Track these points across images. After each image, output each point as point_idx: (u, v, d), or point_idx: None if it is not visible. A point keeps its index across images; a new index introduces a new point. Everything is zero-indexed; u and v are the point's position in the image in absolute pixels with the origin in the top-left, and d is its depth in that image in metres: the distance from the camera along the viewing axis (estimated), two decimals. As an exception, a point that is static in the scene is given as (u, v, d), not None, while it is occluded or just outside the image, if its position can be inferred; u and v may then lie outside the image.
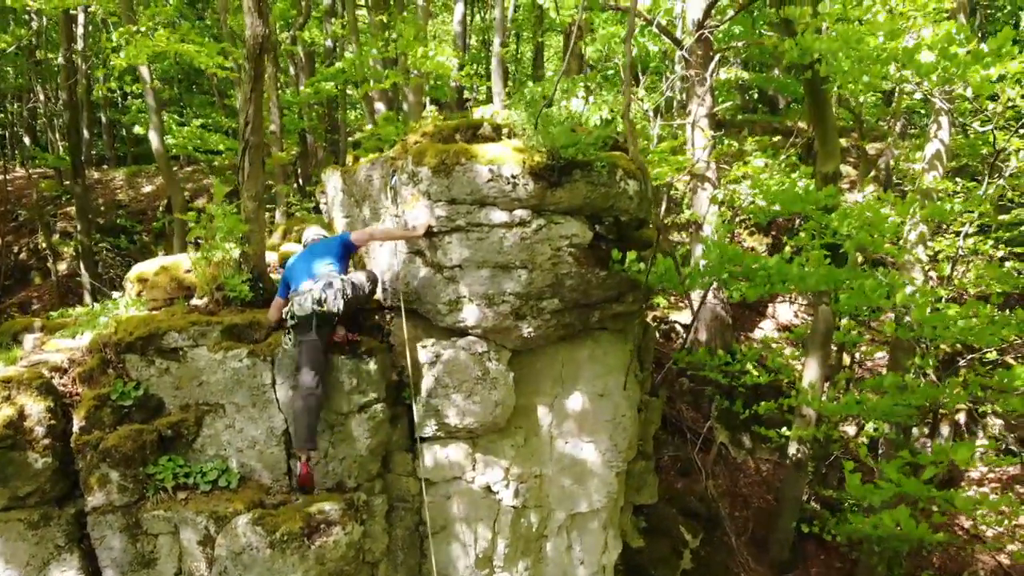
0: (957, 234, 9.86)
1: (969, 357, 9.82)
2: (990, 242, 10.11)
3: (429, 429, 5.86)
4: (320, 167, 11.36)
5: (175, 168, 14.64)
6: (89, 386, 5.20)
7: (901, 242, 8.48)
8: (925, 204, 8.01)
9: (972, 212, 9.11)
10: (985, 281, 9.51)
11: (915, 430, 9.64)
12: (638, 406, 6.73)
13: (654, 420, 7.64)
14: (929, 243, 9.46)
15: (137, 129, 12.69)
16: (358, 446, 5.39)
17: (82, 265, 12.96)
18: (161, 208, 14.86)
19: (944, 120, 9.00)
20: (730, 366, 8.66)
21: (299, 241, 6.43)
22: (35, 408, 4.79)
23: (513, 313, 5.59)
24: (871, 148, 14.31)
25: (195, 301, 5.88)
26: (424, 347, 5.82)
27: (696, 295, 10.43)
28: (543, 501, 6.26)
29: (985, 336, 5.39)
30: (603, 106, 6.28)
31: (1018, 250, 10.01)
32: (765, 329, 12.57)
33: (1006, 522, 8.14)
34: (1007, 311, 5.72)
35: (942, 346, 9.20)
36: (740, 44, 12.88)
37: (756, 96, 19.70)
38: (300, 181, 14.52)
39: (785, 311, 12.86)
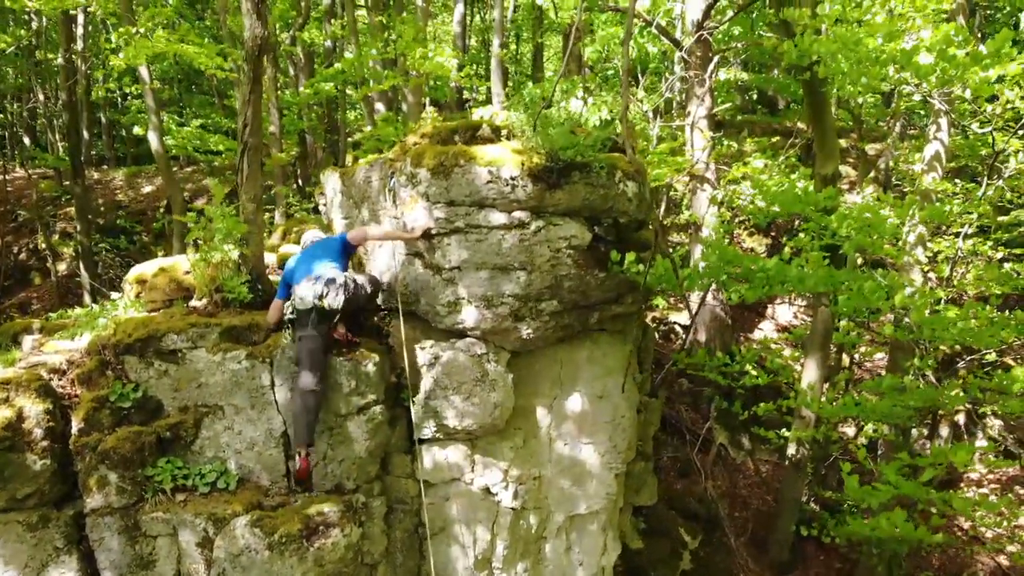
0: (956, 235, 9.84)
1: (968, 358, 9.80)
2: (989, 243, 10.11)
3: (428, 431, 5.86)
4: (319, 168, 11.34)
5: (175, 169, 14.64)
6: (88, 388, 5.21)
7: (900, 243, 8.46)
8: (924, 205, 8.01)
9: (971, 213, 9.12)
10: (984, 282, 9.48)
11: (914, 431, 9.63)
12: (637, 407, 6.73)
13: (653, 421, 7.64)
14: (928, 244, 9.46)
15: (137, 129, 12.66)
16: (357, 448, 5.39)
17: (82, 266, 12.96)
18: (161, 209, 14.86)
19: (943, 121, 9.00)
20: (729, 367, 8.67)
21: (298, 242, 6.44)
22: (34, 410, 4.80)
23: (512, 315, 5.59)
24: (870, 149, 14.29)
25: (194, 303, 5.88)
26: (423, 349, 5.82)
27: (695, 296, 10.44)
28: (542, 502, 6.25)
29: (984, 337, 5.40)
30: (602, 107, 6.29)
31: (1017, 251, 9.99)
32: (764, 330, 12.56)
33: (1005, 523, 8.16)
34: (1006, 312, 5.73)
35: (941, 347, 9.19)
36: (739, 45, 12.90)
37: (755, 97, 19.70)
38: (299, 182, 14.49)
39: (784, 312, 12.85)
